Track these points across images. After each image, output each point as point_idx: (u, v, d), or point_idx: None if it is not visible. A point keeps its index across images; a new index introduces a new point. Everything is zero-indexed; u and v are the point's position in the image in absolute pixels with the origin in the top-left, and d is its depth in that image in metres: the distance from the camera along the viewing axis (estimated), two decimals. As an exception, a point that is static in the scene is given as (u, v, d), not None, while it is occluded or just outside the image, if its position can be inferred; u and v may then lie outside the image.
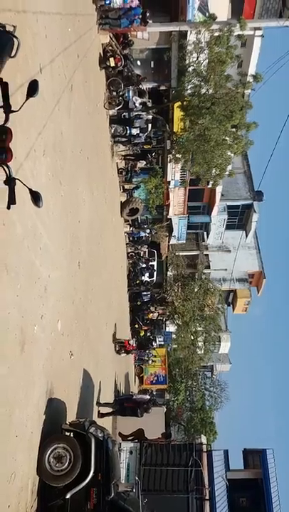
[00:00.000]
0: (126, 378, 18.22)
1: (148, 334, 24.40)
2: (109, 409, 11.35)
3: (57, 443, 5.83)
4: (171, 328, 29.12)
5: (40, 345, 5.72)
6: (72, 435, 6.35)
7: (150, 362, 25.25)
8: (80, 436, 6.29)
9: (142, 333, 23.60)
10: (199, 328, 25.48)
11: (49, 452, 5.72)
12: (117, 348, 15.53)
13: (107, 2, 10.61)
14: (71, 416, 7.36)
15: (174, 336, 27.98)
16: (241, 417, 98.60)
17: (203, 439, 12.04)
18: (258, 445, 26.98)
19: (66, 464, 5.80)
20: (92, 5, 11.17)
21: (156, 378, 25.39)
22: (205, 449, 11.31)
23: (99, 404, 10.62)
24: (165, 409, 19.73)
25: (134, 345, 17.09)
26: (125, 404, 11.48)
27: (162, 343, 28.46)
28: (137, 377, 24.74)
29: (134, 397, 12.90)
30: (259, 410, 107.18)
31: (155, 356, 25.59)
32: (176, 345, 27.76)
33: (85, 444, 6.19)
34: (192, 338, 25.12)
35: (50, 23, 6.53)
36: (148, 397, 13.39)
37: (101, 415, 10.78)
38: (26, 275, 5.13)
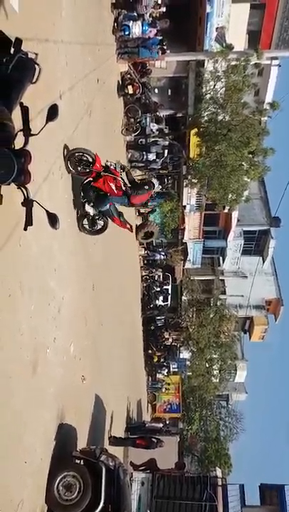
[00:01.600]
0: (138, 405, 17.83)
1: (162, 360, 24.03)
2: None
3: (67, 471, 5.65)
4: (185, 354, 28.61)
5: (52, 368, 5.64)
6: (82, 463, 6.16)
7: (163, 389, 24.74)
8: (90, 464, 6.10)
9: (156, 359, 23.26)
10: (214, 356, 24.98)
11: (58, 480, 5.53)
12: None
13: (126, 33, 10.96)
14: (82, 442, 7.17)
15: (188, 362, 27.44)
16: (258, 450, 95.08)
17: (219, 472, 11.59)
18: (275, 480, 25.87)
19: (76, 494, 5.60)
20: (111, 35, 11.57)
21: (169, 406, 24.79)
22: (220, 483, 10.86)
23: (111, 439, 10.31)
24: (178, 439, 19.16)
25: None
26: (137, 442, 11.16)
27: (176, 369, 27.91)
28: (149, 405, 24.22)
29: (147, 425, 12.59)
30: (277, 443, 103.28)
31: (169, 384, 25.09)
32: (190, 373, 27.18)
33: (95, 472, 5.98)
34: (207, 365, 24.61)
35: (70, 51, 6.75)
36: (161, 425, 13.06)
37: (112, 441, 10.45)
38: (40, 296, 5.12)
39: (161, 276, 23.11)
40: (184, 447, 28.49)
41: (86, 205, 6.85)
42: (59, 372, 5.91)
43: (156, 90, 19.95)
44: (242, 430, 32.15)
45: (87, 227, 7.27)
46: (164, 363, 24.32)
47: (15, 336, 4.38)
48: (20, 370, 4.53)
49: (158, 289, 21.87)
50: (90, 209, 6.89)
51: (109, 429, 10.31)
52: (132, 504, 9.26)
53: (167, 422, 22.20)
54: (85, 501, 5.62)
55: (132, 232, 11.24)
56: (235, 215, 25.26)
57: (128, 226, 7.75)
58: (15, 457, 4.42)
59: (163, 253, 22.01)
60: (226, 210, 22.55)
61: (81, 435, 7.17)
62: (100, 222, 7.42)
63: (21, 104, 3.19)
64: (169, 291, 23.73)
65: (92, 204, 6.87)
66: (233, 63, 15.81)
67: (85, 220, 7.11)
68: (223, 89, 16.42)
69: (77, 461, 6.14)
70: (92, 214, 7.03)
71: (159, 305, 22.42)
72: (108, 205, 7.04)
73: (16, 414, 4.42)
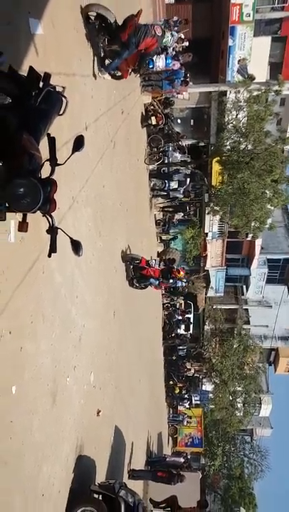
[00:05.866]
0: (159, 438, 17.30)
1: (183, 392, 23.40)
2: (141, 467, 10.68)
3: (84, 505, 5.45)
4: (208, 386, 27.77)
5: (72, 398, 5.54)
6: (100, 497, 5.95)
7: (185, 422, 23.99)
8: (109, 499, 5.88)
9: (177, 390, 22.67)
10: (238, 388, 24.14)
11: (76, 515, 5.35)
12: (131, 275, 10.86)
13: (151, 66, 11.29)
14: (101, 475, 6.95)
15: (210, 395, 26.61)
16: (284, 490, 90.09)
17: (243, 513, 10.97)
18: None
19: (93, 530, 5.39)
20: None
21: (191, 440, 23.96)
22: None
23: (131, 473, 9.96)
24: (201, 475, 18.38)
25: (156, 267, 11.94)
26: (158, 474, 10.77)
27: (198, 402, 27.07)
28: (170, 438, 23.47)
29: (168, 459, 12.15)
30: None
31: (190, 417, 24.34)
32: (213, 406, 26.30)
33: (114, 508, 5.77)
34: (231, 398, 23.76)
35: (96, 85, 6.98)
36: (182, 460, 12.59)
37: (132, 475, 10.06)
38: (62, 324, 5.10)
39: (182, 305, 22.83)
40: (206, 484, 27.29)
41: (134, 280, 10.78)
42: (78, 403, 5.81)
43: (178, 121, 20.37)
44: (267, 468, 30.62)
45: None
46: (186, 395, 23.66)
47: (36, 363, 4.34)
48: (40, 399, 4.46)
49: (179, 318, 21.55)
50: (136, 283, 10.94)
51: (129, 463, 9.98)
52: None
53: (189, 457, 21.39)
54: (103, 539, 5.39)
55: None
56: (258, 242, 24.99)
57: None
58: (33, 490, 4.30)
59: (185, 280, 21.83)
60: (249, 238, 22.33)
61: (100, 468, 6.95)
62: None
63: (48, 135, 3.27)
64: (191, 320, 23.33)
65: (136, 280, 10.85)
66: (255, 93, 16.04)
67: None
68: (245, 118, 16.60)
69: (96, 496, 5.94)
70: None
71: (181, 334, 22.04)
72: (148, 282, 11.24)
73: (34, 445, 4.33)
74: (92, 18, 6.46)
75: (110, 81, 8.05)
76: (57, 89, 3.55)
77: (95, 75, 6.84)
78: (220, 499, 28.89)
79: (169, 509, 10.72)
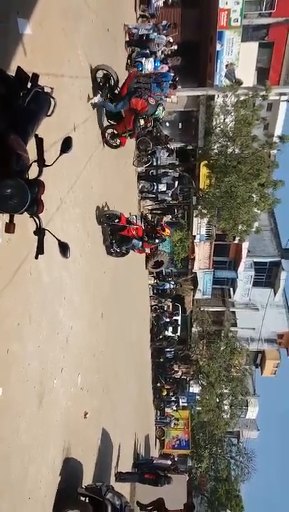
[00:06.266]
0: (146, 440, 17.27)
1: (171, 394, 23.43)
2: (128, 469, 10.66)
3: (71, 508, 5.42)
4: (195, 388, 27.88)
5: (59, 400, 5.51)
6: (87, 500, 5.92)
7: (172, 424, 24.02)
8: (96, 502, 5.85)
9: (165, 392, 22.69)
10: (225, 391, 24.27)
11: (62, 518, 5.31)
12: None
13: (140, 69, 11.35)
14: (88, 478, 6.91)
15: (198, 397, 26.70)
16: (271, 492, 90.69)
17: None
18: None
19: (80, 533, 5.36)
20: (125, 71, 12.00)
21: (178, 442, 24.00)
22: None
23: (118, 475, 9.93)
24: (187, 477, 18.39)
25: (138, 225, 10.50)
26: (146, 476, 10.76)
27: (185, 404, 27.14)
28: (158, 440, 23.45)
29: (155, 461, 12.14)
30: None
31: (178, 419, 24.38)
32: (200, 408, 26.41)
33: (100, 510, 5.74)
34: (217, 400, 23.88)
35: (84, 86, 6.99)
36: (169, 462, 12.58)
37: (119, 477, 10.03)
38: (49, 325, 5.07)
39: (170, 307, 22.89)
40: (193, 486, 27.32)
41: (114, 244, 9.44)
42: (66, 405, 5.78)
43: (167, 124, 20.46)
44: (254, 470, 30.78)
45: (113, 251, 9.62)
46: (173, 397, 23.69)
47: (22, 365, 4.31)
48: (27, 401, 4.43)
49: (167, 320, 21.62)
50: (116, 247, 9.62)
51: (116, 465, 9.95)
52: None
53: (176, 459, 21.41)
54: None
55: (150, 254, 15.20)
56: (245, 245, 25.21)
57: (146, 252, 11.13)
58: (19, 493, 4.26)
59: (172, 282, 21.88)
60: (236, 241, 22.51)
61: (87, 470, 6.92)
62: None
63: (36, 135, 3.27)
64: (179, 322, 23.43)
65: (117, 245, 9.54)
66: (243, 98, 16.22)
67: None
68: (233, 122, 16.78)
69: (83, 499, 5.91)
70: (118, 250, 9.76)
71: (168, 336, 22.10)
72: (130, 245, 10.00)
73: (21, 447, 4.30)
74: (99, 78, 7.76)
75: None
76: (45, 90, 3.54)
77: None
78: (207, 501, 28.94)
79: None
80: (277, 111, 20.31)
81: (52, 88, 3.68)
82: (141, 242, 10.25)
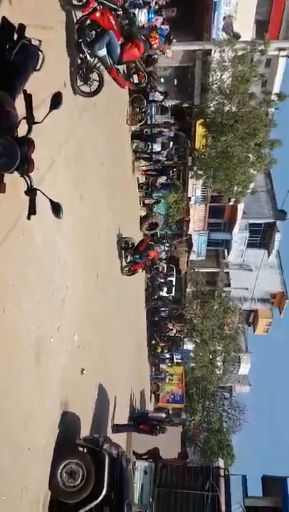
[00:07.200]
0: (142, 395, 17.95)
1: (165, 351, 24.12)
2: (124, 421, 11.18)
3: (70, 458, 5.72)
4: (189, 346, 28.68)
5: (56, 358, 5.67)
6: (85, 451, 6.23)
7: (167, 380, 24.87)
8: (93, 452, 6.16)
9: (160, 350, 23.35)
10: (218, 348, 25.03)
11: (62, 467, 5.60)
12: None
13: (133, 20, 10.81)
14: (85, 430, 7.25)
15: (191, 354, 27.53)
16: (261, 442, 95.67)
17: (221, 463, 11.66)
18: (278, 472, 25.91)
19: (79, 481, 5.67)
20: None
21: (172, 397, 24.96)
22: (223, 474, 10.92)
23: (114, 427, 10.39)
24: (181, 429, 19.30)
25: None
26: (141, 427, 11.27)
27: (180, 360, 28.01)
28: (153, 395, 24.36)
29: (150, 414, 12.67)
30: (280, 436, 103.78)
31: (172, 375, 25.21)
32: (193, 364, 27.30)
33: (98, 460, 6.05)
34: (211, 357, 24.67)
35: (74, 37, 6.66)
36: (164, 415, 13.14)
37: (116, 429, 10.53)
38: (44, 286, 5.13)
39: (165, 268, 23.09)
40: (186, 438, 28.69)
41: (82, 45, 6.31)
42: (63, 362, 5.95)
43: (162, 80, 19.76)
44: (245, 422, 32.23)
45: (82, 88, 6.83)
46: (168, 354, 24.41)
47: (19, 324, 4.40)
48: (24, 359, 4.56)
49: (162, 281, 21.88)
50: (85, 48, 6.34)
51: (113, 418, 10.40)
52: (135, 492, 9.39)
53: (170, 412, 22.39)
54: (88, 488, 5.69)
55: (132, 88, 11.97)
56: (241, 207, 25.13)
57: (128, 83, 7.48)
58: (19, 444, 4.47)
59: (167, 244, 21.95)
60: (231, 203, 22.43)
61: (85, 423, 7.24)
62: (96, 78, 6.95)
63: (25, 91, 3.17)
64: (173, 283, 23.75)
65: (88, 44, 6.33)
66: (240, 53, 15.60)
67: (80, 77, 6.63)
68: (230, 79, 16.23)
69: (81, 449, 6.21)
70: (88, 60, 6.51)
71: (163, 296, 22.46)
72: (105, 47, 6.45)
73: (20, 402, 4.46)
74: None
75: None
76: (33, 43, 3.39)
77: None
78: (200, 451, 30.44)
79: (152, 460, 11.31)
80: (276, 67, 19.61)
81: (40, 40, 3.52)
82: (120, 48, 7.14)
